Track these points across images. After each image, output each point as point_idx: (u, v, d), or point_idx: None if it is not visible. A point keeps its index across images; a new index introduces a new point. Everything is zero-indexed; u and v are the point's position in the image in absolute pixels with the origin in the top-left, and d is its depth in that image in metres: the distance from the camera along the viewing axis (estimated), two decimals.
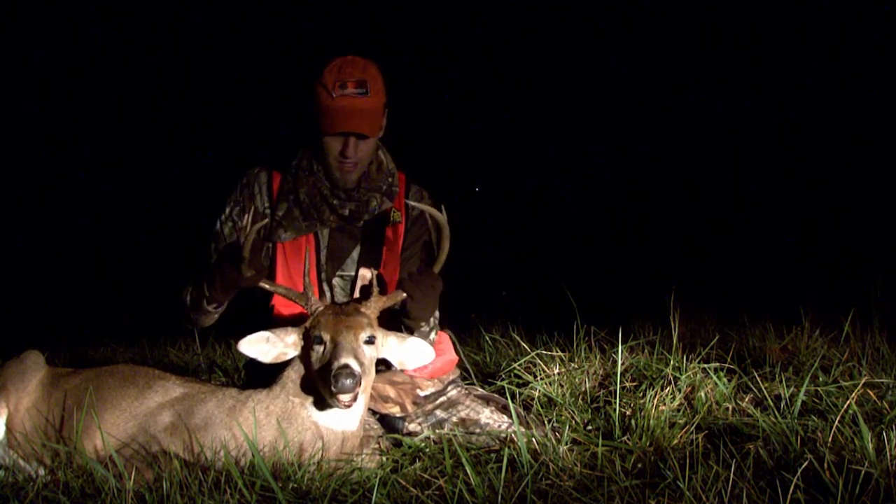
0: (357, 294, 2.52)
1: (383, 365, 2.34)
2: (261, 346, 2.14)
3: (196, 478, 1.89)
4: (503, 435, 2.39)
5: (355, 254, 2.56)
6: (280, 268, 2.49)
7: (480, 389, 2.77)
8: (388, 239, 2.56)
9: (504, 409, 2.54)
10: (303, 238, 2.51)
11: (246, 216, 2.52)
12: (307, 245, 2.51)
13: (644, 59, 10.33)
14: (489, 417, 2.50)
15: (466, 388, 2.68)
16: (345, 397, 1.97)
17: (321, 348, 2.08)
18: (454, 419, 2.51)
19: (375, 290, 2.23)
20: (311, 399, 2.13)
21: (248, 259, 2.14)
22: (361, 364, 2.02)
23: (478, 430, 2.45)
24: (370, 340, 2.12)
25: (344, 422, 2.13)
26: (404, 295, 2.25)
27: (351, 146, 2.41)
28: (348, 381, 1.93)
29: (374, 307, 2.20)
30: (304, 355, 2.15)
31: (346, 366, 1.96)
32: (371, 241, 2.55)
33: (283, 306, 2.48)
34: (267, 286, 2.25)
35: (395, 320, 2.38)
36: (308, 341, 2.13)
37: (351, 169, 2.47)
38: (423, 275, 2.27)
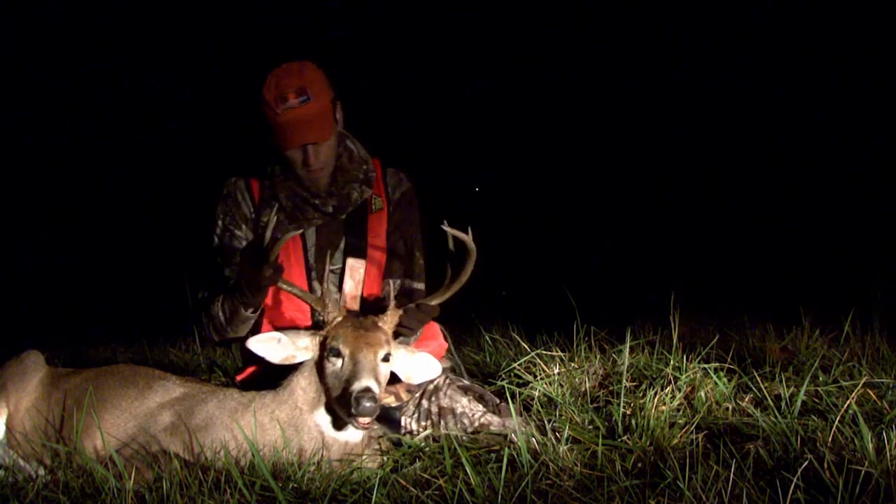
0: (346, 284, 2.53)
1: None
2: (271, 346, 2.13)
3: (196, 478, 1.89)
4: (476, 424, 2.41)
5: (342, 245, 2.57)
6: None
7: (464, 381, 2.75)
8: (371, 227, 2.57)
9: (481, 399, 2.54)
10: (289, 241, 2.51)
11: (243, 224, 2.54)
12: (293, 247, 2.52)
13: (642, 58, 10.32)
14: (465, 406, 2.50)
15: (450, 378, 2.68)
16: (364, 420, 1.97)
17: (339, 361, 2.07)
18: (434, 408, 2.52)
19: (392, 303, 2.23)
20: (319, 408, 2.12)
21: (272, 259, 2.14)
22: (379, 384, 2.02)
23: (452, 420, 2.46)
24: (386, 358, 2.12)
25: (350, 431, 2.13)
26: (413, 305, 2.27)
27: (311, 155, 2.43)
28: (370, 405, 1.93)
29: (390, 322, 2.21)
30: (319, 364, 2.13)
31: (368, 389, 1.95)
32: (355, 231, 2.57)
33: (283, 308, 2.48)
34: (285, 287, 2.24)
35: None
36: (323, 351, 2.12)
37: (318, 175, 2.49)
38: (423, 309, 2.29)
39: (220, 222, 2.59)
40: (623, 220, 10.33)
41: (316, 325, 2.23)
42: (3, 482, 2.10)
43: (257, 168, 2.63)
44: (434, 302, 2.31)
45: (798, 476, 1.69)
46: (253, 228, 2.53)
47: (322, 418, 2.12)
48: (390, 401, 2.49)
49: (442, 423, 2.46)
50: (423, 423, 2.49)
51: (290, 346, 2.14)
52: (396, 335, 2.34)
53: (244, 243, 2.53)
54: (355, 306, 2.53)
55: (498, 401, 2.52)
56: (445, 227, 2.25)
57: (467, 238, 2.21)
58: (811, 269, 7.58)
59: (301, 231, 2.49)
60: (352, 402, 1.93)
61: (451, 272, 2.32)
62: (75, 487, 1.93)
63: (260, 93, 2.40)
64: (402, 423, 2.50)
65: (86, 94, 10.34)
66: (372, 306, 2.50)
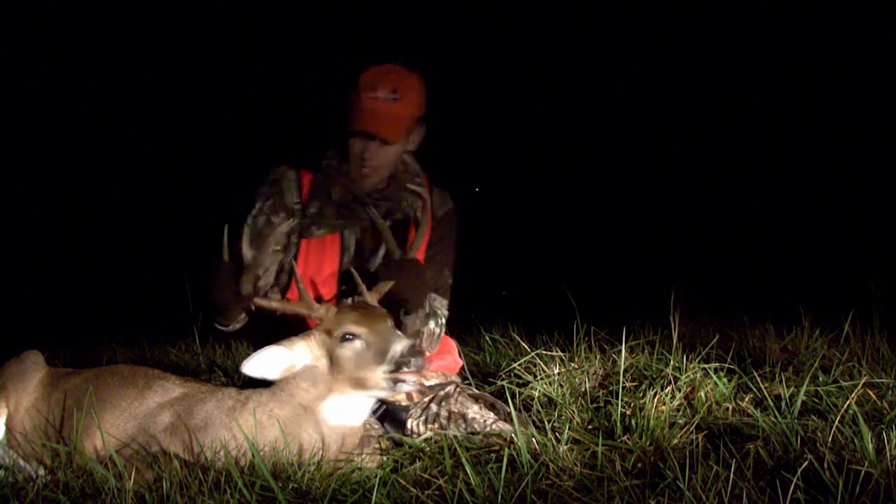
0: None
1: None
2: (267, 364, 2.08)
3: (196, 478, 1.89)
4: (487, 430, 2.42)
5: (380, 252, 2.59)
6: (301, 268, 2.51)
7: (473, 389, 2.79)
8: (411, 239, 2.59)
9: (492, 407, 2.55)
10: (327, 238, 2.51)
11: (282, 212, 2.55)
12: (330, 247, 2.53)
13: (642, 58, 10.33)
14: (476, 413, 2.51)
15: (460, 387, 2.70)
16: (413, 377, 1.99)
17: (358, 343, 2.05)
18: (444, 412, 2.53)
19: (363, 286, 2.26)
20: (321, 403, 2.11)
21: (250, 266, 2.13)
22: None
23: (463, 425, 2.47)
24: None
25: (348, 417, 2.13)
26: (390, 283, 2.28)
27: (371, 149, 2.45)
28: (420, 359, 1.97)
29: (373, 301, 2.23)
30: (332, 357, 2.10)
31: (412, 344, 1.99)
32: (396, 240, 2.58)
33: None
34: (264, 304, 2.23)
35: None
36: (332, 344, 2.10)
37: (368, 174, 2.51)
38: (398, 261, 2.34)
39: (258, 204, 2.58)
40: (623, 219, 10.33)
41: (300, 329, 2.22)
42: (3, 482, 2.10)
43: (304, 161, 2.66)
44: (410, 255, 2.35)
45: (798, 476, 1.69)
46: (293, 221, 2.54)
47: (329, 412, 2.10)
48: (401, 398, 2.49)
49: (452, 426, 2.45)
50: (429, 426, 2.49)
51: (288, 355, 2.10)
52: (406, 310, 2.39)
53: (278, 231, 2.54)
54: None
55: (509, 410, 2.52)
56: (410, 186, 2.46)
57: (420, 189, 2.36)
58: (811, 269, 7.58)
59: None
60: (401, 362, 1.97)
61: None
62: (75, 487, 1.93)
63: (357, 75, 2.43)
64: (408, 426, 2.51)
65: (85, 94, 10.33)
66: (346, 294, 2.52)
